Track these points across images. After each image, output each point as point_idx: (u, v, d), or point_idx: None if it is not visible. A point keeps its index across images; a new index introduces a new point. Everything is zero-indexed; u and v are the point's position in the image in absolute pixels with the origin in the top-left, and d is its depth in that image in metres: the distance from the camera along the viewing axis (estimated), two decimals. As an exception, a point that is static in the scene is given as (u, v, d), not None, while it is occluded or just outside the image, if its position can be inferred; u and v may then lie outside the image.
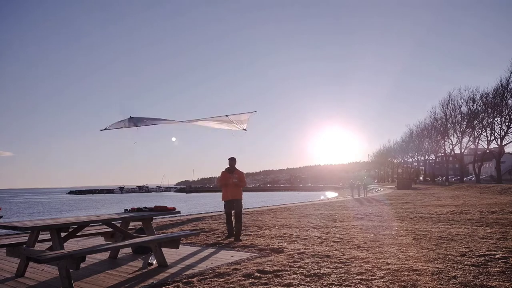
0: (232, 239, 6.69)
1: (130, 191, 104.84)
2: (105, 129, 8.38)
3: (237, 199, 7.10)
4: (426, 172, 68.71)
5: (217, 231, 7.98)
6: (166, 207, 5.40)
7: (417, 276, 3.78)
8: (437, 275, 3.81)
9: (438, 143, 55.64)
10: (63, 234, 4.44)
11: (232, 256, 5.19)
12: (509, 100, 37.39)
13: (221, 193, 7.27)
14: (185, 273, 4.23)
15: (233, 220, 7.06)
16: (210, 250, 5.86)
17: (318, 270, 4.14)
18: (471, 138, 45.35)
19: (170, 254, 5.21)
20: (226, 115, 9.16)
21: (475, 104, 43.57)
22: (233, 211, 7.07)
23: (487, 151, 43.50)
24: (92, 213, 29.39)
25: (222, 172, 7.24)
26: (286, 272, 4.10)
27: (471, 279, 3.66)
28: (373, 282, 3.63)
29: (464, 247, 5.35)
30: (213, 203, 40.62)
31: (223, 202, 7.20)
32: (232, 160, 7.22)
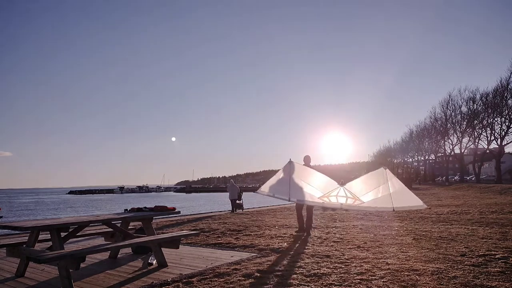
0: (299, 234, 7.10)
1: (130, 191, 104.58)
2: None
3: None
4: (426, 172, 68.72)
5: (217, 231, 7.98)
6: (166, 207, 5.40)
7: (417, 276, 3.78)
8: (437, 275, 3.81)
9: (438, 143, 55.70)
10: (63, 234, 4.44)
11: (232, 256, 5.20)
12: (509, 100, 37.41)
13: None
14: (185, 273, 4.23)
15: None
16: (210, 250, 5.87)
17: (318, 270, 4.14)
18: (471, 138, 45.41)
19: (170, 254, 5.21)
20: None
21: (475, 104, 43.63)
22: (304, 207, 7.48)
23: (487, 151, 43.52)
24: (92, 213, 29.40)
25: None
26: (286, 272, 4.10)
27: (471, 279, 3.66)
28: (373, 282, 3.63)
29: (464, 247, 5.35)
30: (213, 203, 40.62)
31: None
32: (305, 159, 7.61)
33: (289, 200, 5.80)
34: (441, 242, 5.89)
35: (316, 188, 5.96)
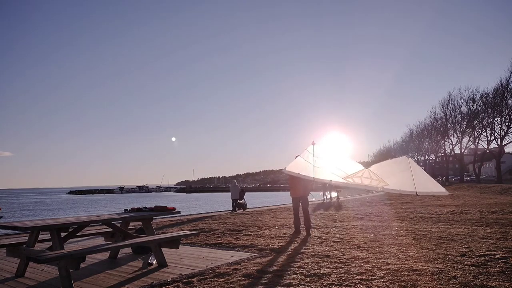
0: (295, 235, 7.14)
1: (130, 191, 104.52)
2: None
3: (303, 196, 7.65)
4: (426, 172, 68.71)
5: (217, 231, 7.98)
6: (166, 207, 5.40)
7: (417, 276, 3.78)
8: (437, 275, 3.81)
9: (438, 143, 55.71)
10: (63, 234, 4.44)
11: (232, 256, 5.20)
12: (509, 100, 37.45)
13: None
14: (185, 273, 4.23)
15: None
16: (210, 250, 5.87)
17: (318, 270, 4.14)
18: (471, 138, 45.42)
19: (170, 254, 5.21)
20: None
21: (475, 104, 43.65)
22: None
23: (487, 151, 43.54)
24: (92, 213, 29.39)
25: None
26: (286, 272, 4.10)
27: (471, 279, 3.66)
28: (373, 282, 3.63)
29: (464, 247, 5.35)
30: (213, 203, 40.61)
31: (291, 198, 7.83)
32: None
33: (314, 180, 5.79)
34: (441, 242, 5.89)
35: (340, 169, 5.95)
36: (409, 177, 5.38)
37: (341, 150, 6.70)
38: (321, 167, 5.85)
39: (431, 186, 5.48)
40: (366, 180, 5.60)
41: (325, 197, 21.03)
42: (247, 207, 16.16)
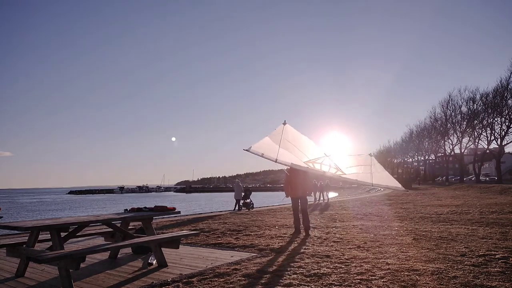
0: (295, 235, 7.09)
1: (130, 191, 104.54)
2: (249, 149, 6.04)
3: (302, 196, 7.59)
4: (426, 172, 68.73)
5: (217, 231, 7.98)
6: (166, 207, 5.40)
7: (417, 276, 3.78)
8: (437, 275, 3.81)
9: (438, 143, 55.78)
10: (63, 234, 4.44)
11: (232, 256, 5.20)
12: (509, 100, 37.51)
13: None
14: (185, 273, 4.23)
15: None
16: (210, 250, 5.87)
17: (318, 270, 4.14)
18: (471, 138, 45.47)
19: (170, 254, 5.21)
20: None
21: (475, 104, 43.70)
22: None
23: (487, 151, 43.56)
24: (92, 213, 29.37)
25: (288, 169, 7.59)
26: (286, 272, 4.10)
27: (471, 279, 3.66)
28: (373, 282, 3.63)
29: (464, 247, 5.35)
30: (213, 203, 40.60)
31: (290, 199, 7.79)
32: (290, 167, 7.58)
33: (276, 161, 5.84)
34: (441, 242, 5.89)
35: (303, 153, 6.05)
36: (367, 171, 5.61)
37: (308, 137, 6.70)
38: (286, 149, 5.96)
39: (388, 181, 5.81)
40: (325, 167, 5.78)
41: (316, 197, 20.77)
42: (253, 207, 15.92)
